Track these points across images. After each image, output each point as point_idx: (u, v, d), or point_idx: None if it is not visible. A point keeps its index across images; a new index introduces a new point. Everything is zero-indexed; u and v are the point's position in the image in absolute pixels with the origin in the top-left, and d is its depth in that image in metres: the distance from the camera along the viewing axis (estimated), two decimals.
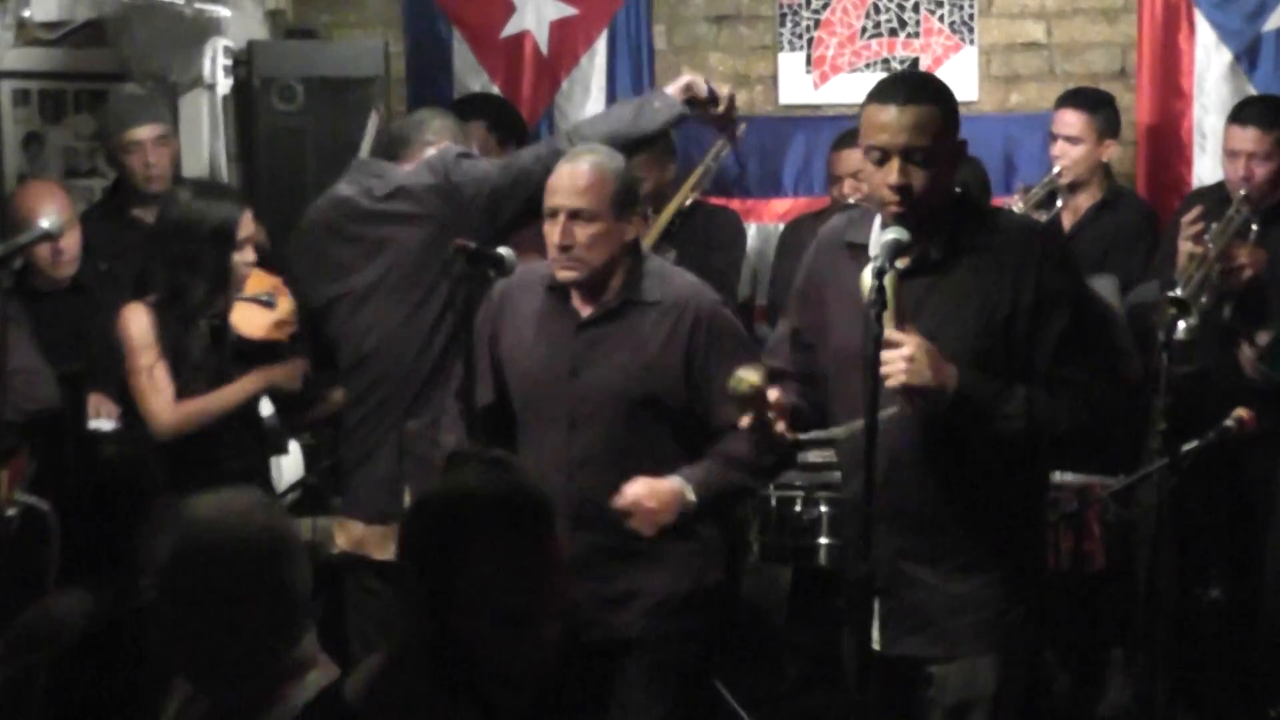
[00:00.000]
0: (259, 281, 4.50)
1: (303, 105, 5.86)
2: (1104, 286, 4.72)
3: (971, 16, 6.11)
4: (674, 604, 3.77)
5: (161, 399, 4.26)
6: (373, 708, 2.32)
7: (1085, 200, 5.43)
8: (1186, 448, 3.94)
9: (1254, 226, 4.72)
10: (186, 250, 4.27)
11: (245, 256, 4.34)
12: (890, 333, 3.02)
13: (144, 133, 5.36)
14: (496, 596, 2.25)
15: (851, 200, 5.16)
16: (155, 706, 3.96)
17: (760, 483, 4.22)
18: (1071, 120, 5.41)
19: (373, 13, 6.58)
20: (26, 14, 5.80)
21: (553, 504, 2.34)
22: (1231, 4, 5.89)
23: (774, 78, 6.29)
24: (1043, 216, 5.32)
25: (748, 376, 3.15)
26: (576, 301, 3.78)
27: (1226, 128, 5.04)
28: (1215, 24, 5.91)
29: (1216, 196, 4.94)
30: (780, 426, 3.20)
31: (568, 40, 6.37)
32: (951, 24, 6.12)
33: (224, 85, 6.08)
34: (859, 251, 3.28)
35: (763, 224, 6.27)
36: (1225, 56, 5.91)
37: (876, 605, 3.17)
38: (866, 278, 3.10)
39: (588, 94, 6.32)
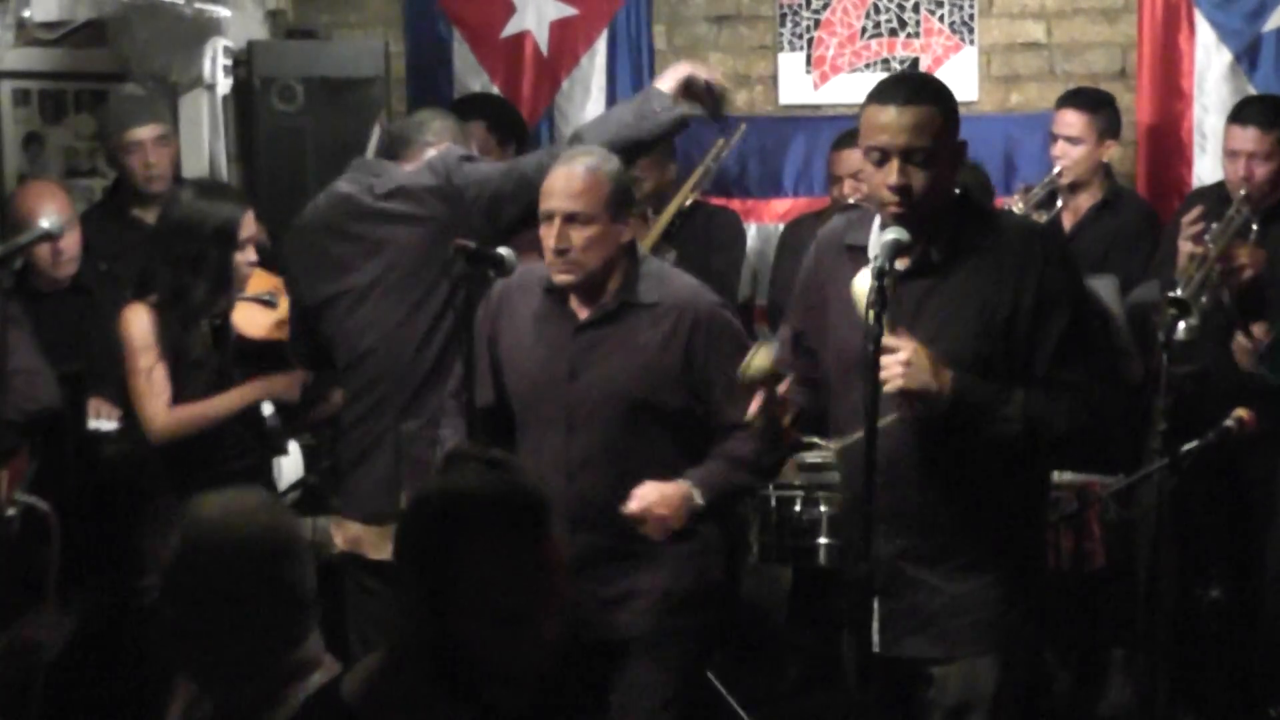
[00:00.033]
0: (260, 281, 4.50)
1: (303, 105, 5.87)
2: (1104, 286, 4.72)
3: (972, 16, 6.11)
4: (674, 603, 3.78)
5: (158, 402, 4.27)
6: (370, 707, 2.33)
7: (1086, 200, 5.43)
8: (1186, 448, 3.94)
9: (1254, 226, 4.72)
10: (188, 250, 4.27)
11: (247, 256, 4.34)
12: (887, 338, 3.01)
13: (144, 133, 5.36)
14: (494, 596, 2.25)
15: (852, 200, 5.16)
16: (158, 707, 3.98)
17: (763, 482, 4.23)
18: (1072, 120, 5.41)
19: (373, 13, 6.58)
20: (26, 14, 5.80)
21: (550, 504, 2.34)
22: (1232, 4, 5.89)
23: (774, 78, 6.29)
24: (1043, 217, 5.33)
25: (758, 360, 3.15)
26: (574, 303, 3.78)
27: (1226, 128, 5.04)
28: (1215, 24, 5.90)
29: (1216, 196, 4.94)
30: (786, 420, 3.19)
31: (568, 40, 6.37)
32: (951, 24, 6.12)
33: (224, 85, 6.08)
34: (859, 254, 3.28)
35: (763, 224, 6.27)
36: (1225, 57, 5.91)
37: (876, 606, 3.17)
38: (858, 285, 3.10)
39: (588, 94, 6.33)
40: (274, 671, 2.50)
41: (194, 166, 5.94)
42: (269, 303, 4.49)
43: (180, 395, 4.30)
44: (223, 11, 6.14)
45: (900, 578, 3.25)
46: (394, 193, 4.13)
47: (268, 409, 4.54)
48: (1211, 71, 5.92)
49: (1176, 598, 4.76)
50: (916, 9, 6.13)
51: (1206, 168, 5.84)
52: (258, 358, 4.43)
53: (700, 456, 3.79)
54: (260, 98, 5.88)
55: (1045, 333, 3.21)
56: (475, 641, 2.27)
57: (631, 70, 6.27)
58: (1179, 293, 4.37)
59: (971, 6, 6.10)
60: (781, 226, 6.10)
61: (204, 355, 4.33)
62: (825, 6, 6.21)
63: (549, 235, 3.69)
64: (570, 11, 6.36)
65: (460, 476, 2.35)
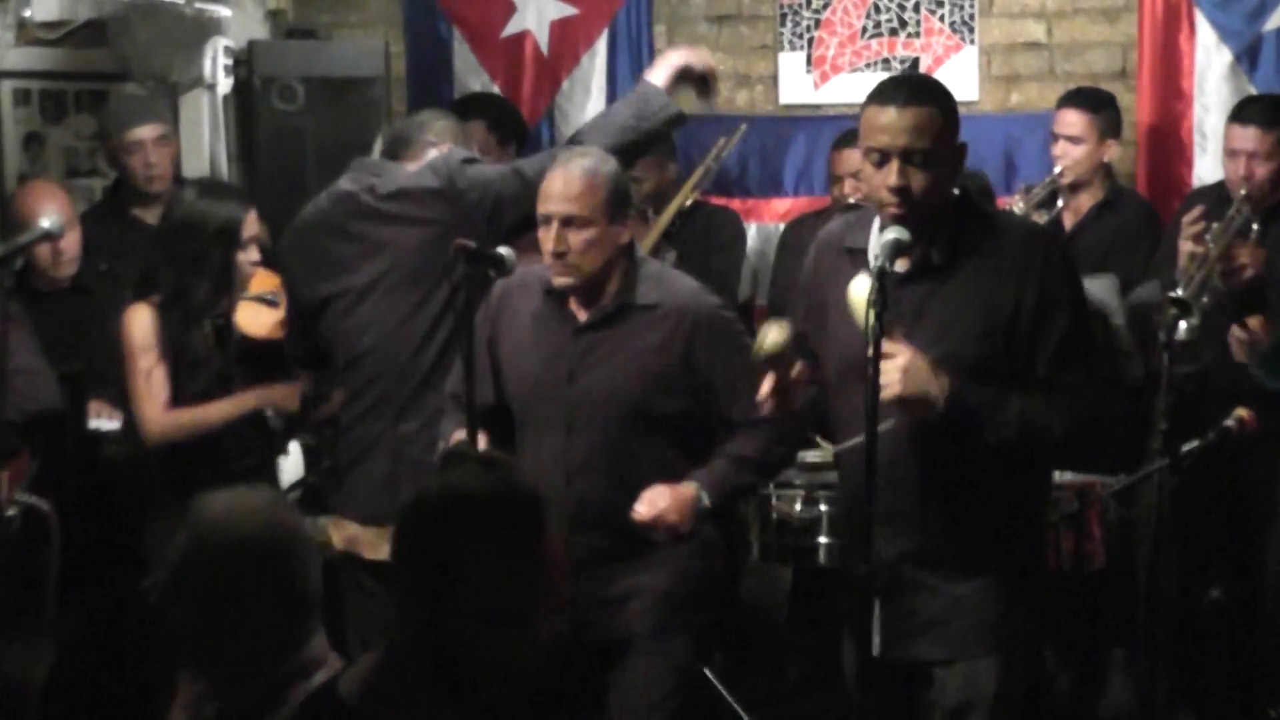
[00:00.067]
0: (263, 280, 4.50)
1: (303, 105, 5.87)
2: (1104, 287, 4.71)
3: (972, 16, 6.11)
4: (673, 603, 3.78)
5: (154, 405, 4.27)
6: (367, 706, 2.33)
7: (1087, 200, 5.43)
8: (1187, 448, 3.94)
9: (1255, 226, 4.72)
10: (191, 250, 4.28)
11: (249, 256, 4.35)
12: (884, 344, 3.01)
13: (144, 133, 5.36)
14: (491, 596, 2.25)
15: (852, 200, 5.17)
16: (159, 707, 3.98)
17: (766, 480, 4.24)
18: (1073, 120, 5.40)
19: (373, 13, 6.58)
20: (27, 14, 5.80)
21: (547, 503, 2.34)
22: (1232, 4, 5.89)
23: (774, 78, 6.29)
24: (1044, 216, 5.33)
25: (771, 336, 3.14)
26: (574, 305, 3.78)
27: (1227, 127, 5.03)
28: (1216, 24, 5.90)
29: (1217, 196, 4.94)
30: (798, 402, 3.18)
31: (568, 40, 6.37)
32: (952, 24, 6.12)
33: (224, 85, 6.08)
34: (859, 256, 3.27)
35: (763, 224, 6.27)
36: (1226, 56, 5.91)
37: (877, 610, 3.16)
38: (855, 291, 3.09)
39: (588, 94, 6.33)
40: (278, 671, 2.50)
41: (194, 166, 5.94)
42: (271, 302, 4.49)
43: (182, 395, 4.31)
44: (223, 11, 6.14)
45: (901, 580, 3.25)
46: (396, 194, 4.12)
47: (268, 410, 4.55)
48: (1212, 71, 5.92)
49: (1176, 598, 4.76)
50: (917, 9, 6.13)
51: (1207, 168, 5.84)
52: (260, 357, 4.43)
53: (700, 457, 3.79)
54: (260, 97, 5.88)
55: (1046, 334, 3.20)
56: (472, 641, 2.27)
57: (632, 70, 6.26)
58: (1180, 293, 4.37)
59: (972, 6, 6.11)
60: (782, 226, 6.10)
61: (206, 355, 4.34)
62: (825, 6, 6.21)
63: (547, 238, 3.69)
64: (570, 11, 6.36)
65: (458, 476, 2.35)
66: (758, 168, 6.29)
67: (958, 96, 3.32)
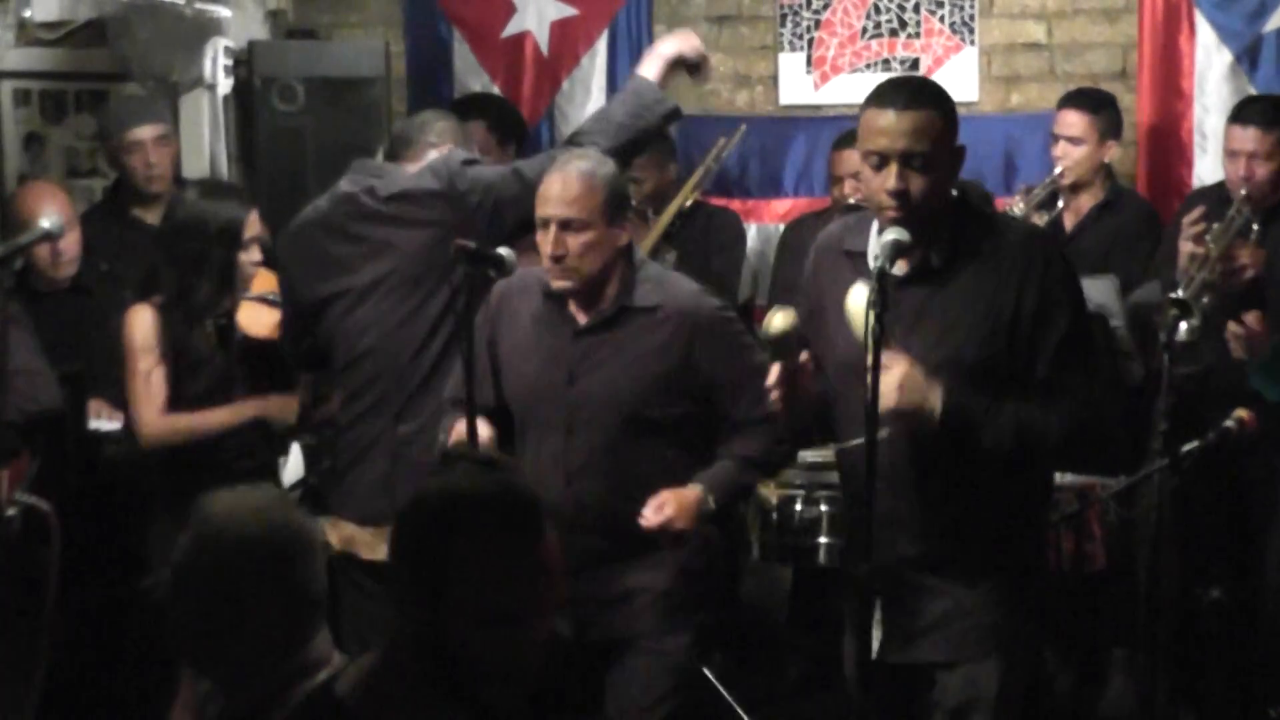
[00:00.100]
0: (265, 280, 4.50)
1: (303, 105, 5.87)
2: (1104, 288, 4.71)
3: (972, 17, 6.11)
4: (672, 603, 3.78)
5: (152, 408, 4.28)
6: (364, 706, 2.33)
7: (1087, 201, 5.43)
8: (1187, 448, 3.93)
9: (1255, 226, 4.72)
10: (193, 249, 4.28)
11: (251, 256, 4.35)
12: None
13: (145, 133, 5.37)
14: (489, 596, 2.25)
15: (852, 200, 5.17)
16: (160, 707, 3.98)
17: (769, 479, 4.25)
18: (1073, 121, 5.40)
19: (373, 13, 6.58)
20: (27, 14, 5.80)
21: (544, 505, 2.34)
22: (1232, 4, 5.89)
23: (774, 78, 6.30)
24: (1044, 217, 5.33)
25: (778, 320, 3.13)
26: (573, 308, 3.78)
27: (1227, 128, 5.03)
28: (1216, 24, 5.91)
29: (1217, 197, 4.94)
30: (805, 389, 3.18)
31: (568, 40, 6.37)
32: (952, 24, 6.12)
33: (224, 85, 6.08)
34: (858, 259, 3.27)
35: (763, 224, 6.27)
36: (1226, 57, 5.91)
37: (878, 613, 3.16)
38: (852, 302, 3.09)
39: (588, 94, 6.33)
40: (281, 670, 2.50)
41: (194, 166, 5.94)
42: (274, 302, 4.49)
43: (183, 395, 4.31)
44: (223, 11, 6.14)
45: (902, 582, 3.25)
46: (396, 196, 4.12)
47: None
48: (1212, 72, 5.92)
49: (1176, 598, 4.76)
50: (917, 9, 6.13)
51: (1207, 168, 5.84)
52: (262, 357, 4.44)
53: (700, 457, 3.79)
54: (261, 98, 5.88)
55: (1045, 336, 3.20)
56: (470, 642, 2.27)
57: (632, 71, 6.27)
58: (1180, 293, 4.37)
59: (972, 7, 6.11)
60: (782, 227, 6.10)
61: (208, 355, 4.34)
62: (826, 7, 6.21)
63: (545, 242, 3.69)
64: (571, 11, 6.36)
65: (456, 477, 2.36)
66: (758, 168, 6.29)
67: (958, 97, 3.32)
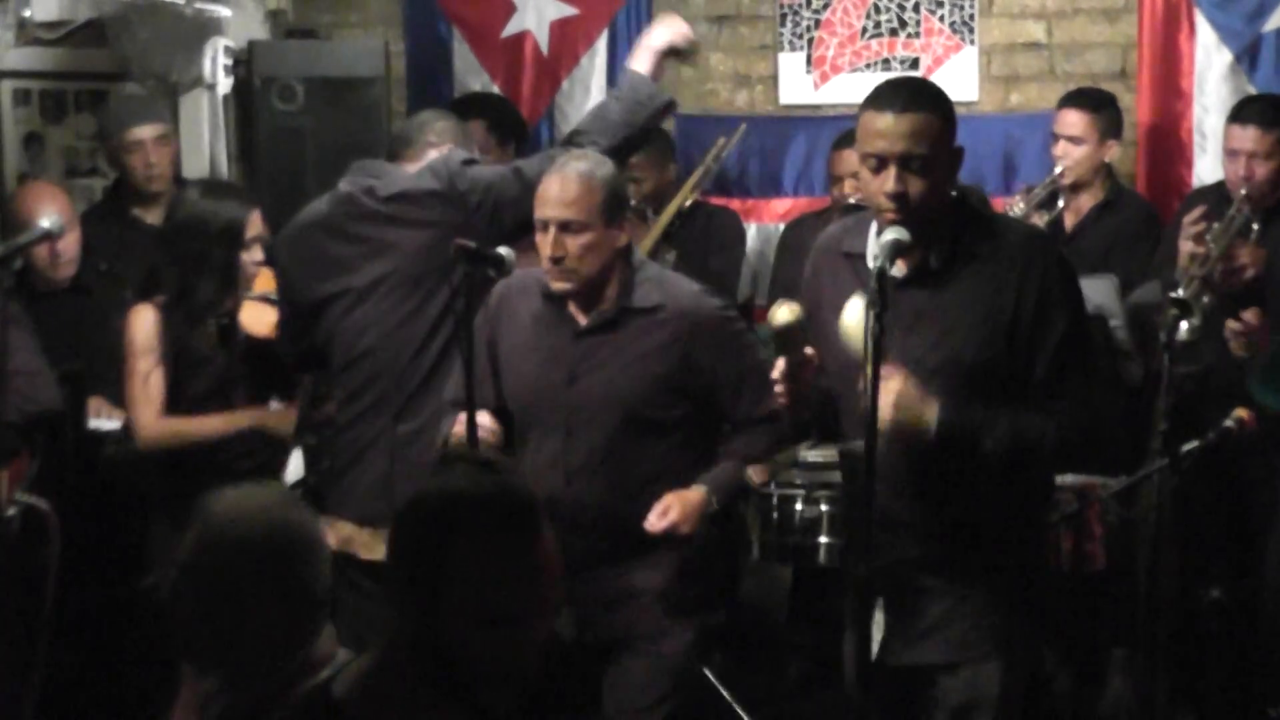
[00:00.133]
0: (267, 280, 4.50)
1: (303, 105, 5.87)
2: (1104, 288, 4.71)
3: (972, 16, 6.11)
4: (672, 603, 3.78)
5: (149, 410, 4.28)
6: (361, 707, 2.33)
7: (1087, 200, 5.43)
8: (1187, 448, 3.93)
9: (1255, 226, 4.72)
10: (194, 249, 4.28)
11: (253, 255, 4.35)
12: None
13: (144, 132, 5.36)
14: (486, 597, 2.25)
15: (852, 200, 5.16)
16: (160, 708, 3.97)
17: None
18: (1074, 120, 5.40)
19: (373, 13, 6.58)
20: (27, 14, 5.80)
21: (542, 505, 2.35)
22: (1232, 4, 5.89)
23: (774, 78, 6.29)
24: (1044, 217, 5.33)
25: (782, 312, 3.13)
26: (573, 308, 3.78)
27: (1226, 127, 5.03)
28: (1215, 24, 5.90)
29: (1217, 196, 4.94)
30: (810, 381, 3.18)
31: (568, 40, 6.37)
32: (952, 24, 6.12)
33: (224, 85, 6.08)
34: (858, 261, 3.27)
35: (763, 224, 6.27)
36: (1225, 57, 5.91)
37: (880, 614, 3.15)
38: (847, 320, 3.09)
39: (588, 94, 6.32)
40: (287, 667, 2.50)
41: (194, 166, 5.95)
42: (276, 301, 4.49)
43: (185, 394, 4.31)
44: (223, 11, 6.15)
45: (904, 584, 3.24)
46: (396, 197, 4.12)
47: (274, 406, 4.55)
48: (1212, 71, 5.92)
49: (1176, 598, 4.75)
50: (917, 9, 6.13)
51: (1206, 168, 5.84)
52: (264, 357, 4.44)
53: (700, 458, 3.79)
54: (260, 98, 5.88)
55: (1044, 337, 3.19)
56: (468, 642, 2.27)
57: None
58: (1180, 293, 4.37)
59: (972, 6, 6.10)
60: (782, 226, 6.10)
61: (210, 354, 4.34)
62: (825, 6, 6.21)
63: (545, 243, 3.70)
64: (570, 11, 6.36)
65: (452, 478, 2.36)
66: (758, 168, 6.29)
67: (957, 97, 3.31)
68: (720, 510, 3.79)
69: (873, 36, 6.18)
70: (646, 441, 3.74)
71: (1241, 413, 4.01)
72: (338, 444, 4.25)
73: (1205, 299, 4.47)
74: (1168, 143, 5.98)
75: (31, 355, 4.48)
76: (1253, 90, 5.76)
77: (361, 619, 4.10)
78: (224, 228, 4.29)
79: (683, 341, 3.74)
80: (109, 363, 4.48)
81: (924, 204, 3.14)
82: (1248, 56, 5.88)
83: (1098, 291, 4.57)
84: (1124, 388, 4.60)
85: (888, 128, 3.13)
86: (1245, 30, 5.88)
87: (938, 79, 5.76)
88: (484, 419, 3.67)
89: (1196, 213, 4.69)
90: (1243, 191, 4.80)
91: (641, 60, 4.22)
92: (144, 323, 4.29)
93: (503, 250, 3.76)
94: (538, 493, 2.39)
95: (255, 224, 4.36)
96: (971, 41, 6.12)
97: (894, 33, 6.16)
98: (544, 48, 6.38)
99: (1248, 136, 4.87)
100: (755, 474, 4.41)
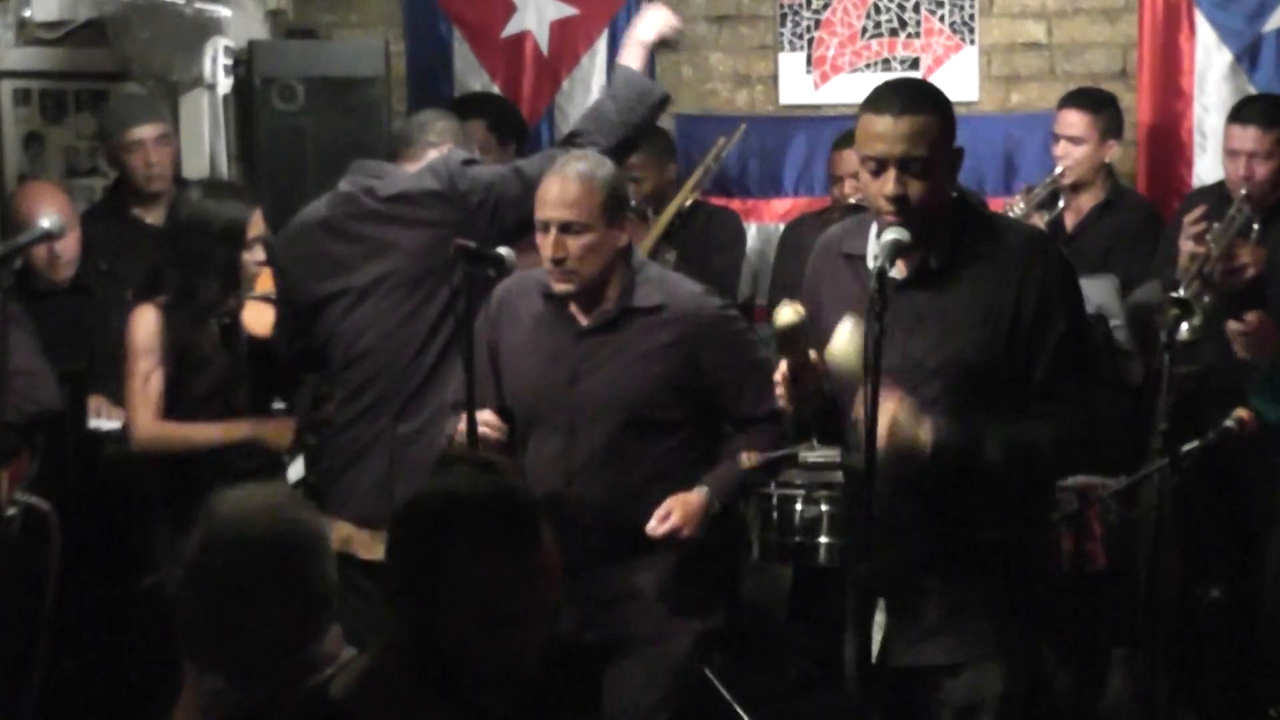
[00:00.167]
0: (268, 280, 4.50)
1: (303, 105, 5.87)
2: (1104, 288, 4.72)
3: (972, 16, 6.11)
4: (672, 603, 3.78)
5: (147, 412, 4.28)
6: (360, 707, 2.33)
7: (1088, 200, 5.43)
8: (1187, 448, 3.93)
9: (1255, 226, 4.72)
10: (196, 249, 4.28)
11: (255, 255, 4.35)
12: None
13: (145, 132, 5.36)
14: (485, 599, 2.25)
15: (852, 200, 5.16)
16: (161, 707, 3.96)
17: (770, 478, 4.25)
18: (1074, 120, 5.40)
19: (373, 13, 6.59)
20: (27, 14, 5.80)
21: (541, 506, 2.35)
22: (1232, 4, 5.89)
23: (774, 78, 6.29)
24: (1045, 217, 5.33)
25: (785, 313, 3.13)
26: (574, 309, 3.78)
27: (1227, 127, 5.04)
28: (1216, 24, 5.90)
29: (1217, 196, 4.94)
30: (813, 384, 3.18)
31: (568, 40, 6.37)
32: (952, 24, 6.12)
33: (224, 85, 6.08)
34: (857, 262, 3.27)
35: (763, 224, 6.27)
36: (1226, 56, 5.91)
37: (881, 615, 3.15)
38: (837, 346, 3.08)
39: (588, 94, 6.32)
40: (293, 666, 2.50)
41: (194, 166, 5.95)
42: (276, 301, 4.49)
43: (187, 394, 4.31)
44: (223, 11, 6.14)
45: (904, 585, 3.24)
46: (396, 197, 4.12)
47: (277, 406, 4.55)
48: (1212, 71, 5.92)
49: (1176, 598, 4.75)
50: (917, 9, 6.13)
51: (1207, 168, 5.84)
52: (266, 356, 4.44)
53: (700, 458, 3.79)
54: (261, 97, 5.88)
55: (1044, 337, 3.19)
56: (466, 643, 2.27)
57: None
58: (1181, 293, 4.37)
59: (972, 6, 6.10)
60: (782, 226, 6.11)
61: (212, 354, 4.34)
62: (826, 6, 6.21)
63: (545, 244, 3.70)
64: (570, 11, 6.36)
65: (451, 479, 2.36)
66: (758, 168, 6.29)
67: (958, 97, 3.32)
68: (724, 511, 3.79)
69: (873, 36, 6.18)
70: (648, 442, 3.74)
71: (1241, 413, 4.01)
72: (337, 444, 4.25)
73: (1206, 299, 4.47)
74: (1168, 142, 5.98)
75: (31, 355, 4.48)
76: (1253, 90, 5.76)
77: (361, 619, 4.09)
78: (226, 227, 4.29)
79: (686, 343, 3.74)
80: (109, 363, 4.48)
81: (924, 205, 3.14)
82: (1248, 56, 5.88)
83: (1098, 291, 4.57)
84: (1124, 388, 4.60)
85: (887, 130, 3.12)
86: (1245, 30, 5.88)
87: (938, 79, 5.78)
88: (489, 417, 3.68)
89: (1197, 212, 4.69)
90: (1243, 191, 4.80)
91: (632, 55, 4.23)
92: (145, 323, 4.29)
93: (503, 250, 3.76)
94: (539, 493, 2.40)
95: (257, 223, 4.36)
96: (971, 41, 6.12)
97: (894, 33, 6.16)
98: (544, 48, 6.38)
99: (1248, 136, 4.87)
100: (747, 458, 4.40)
